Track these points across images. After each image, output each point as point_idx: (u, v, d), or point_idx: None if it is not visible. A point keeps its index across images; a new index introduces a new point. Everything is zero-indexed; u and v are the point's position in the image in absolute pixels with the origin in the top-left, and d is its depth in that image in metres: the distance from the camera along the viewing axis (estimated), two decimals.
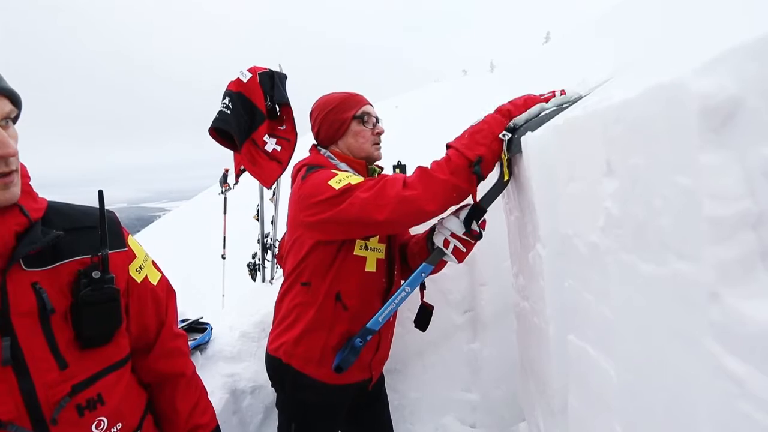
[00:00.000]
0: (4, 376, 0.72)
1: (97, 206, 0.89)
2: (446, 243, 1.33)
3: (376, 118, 1.54)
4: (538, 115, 1.20)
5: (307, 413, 1.48)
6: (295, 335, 1.42)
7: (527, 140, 1.11)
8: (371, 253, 1.43)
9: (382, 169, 1.60)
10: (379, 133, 1.54)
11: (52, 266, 0.79)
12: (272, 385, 1.56)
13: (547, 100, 1.23)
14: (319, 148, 1.55)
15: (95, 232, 0.86)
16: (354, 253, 1.40)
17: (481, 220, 1.34)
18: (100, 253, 0.84)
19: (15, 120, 0.76)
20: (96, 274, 0.82)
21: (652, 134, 0.58)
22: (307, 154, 1.56)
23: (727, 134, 0.46)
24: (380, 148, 1.56)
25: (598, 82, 1.26)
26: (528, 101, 1.25)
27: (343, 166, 1.48)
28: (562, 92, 1.24)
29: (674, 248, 0.57)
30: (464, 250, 1.34)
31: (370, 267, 1.43)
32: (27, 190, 0.78)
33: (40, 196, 0.83)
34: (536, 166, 1.09)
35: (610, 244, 0.76)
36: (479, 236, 1.35)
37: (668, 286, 0.59)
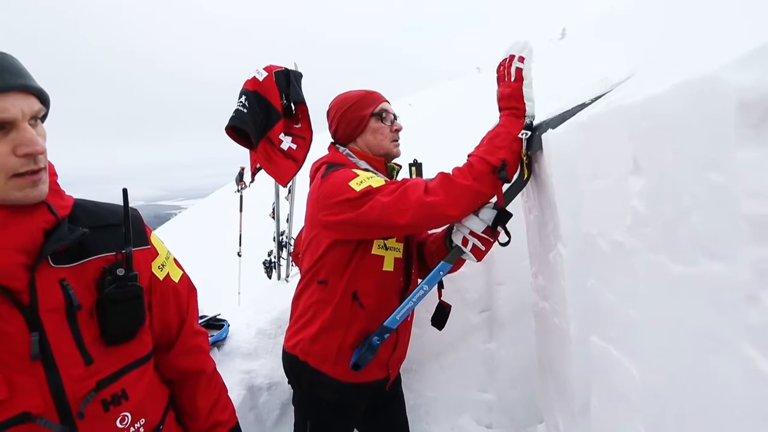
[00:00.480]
0: (33, 371, 0.73)
1: (121, 204, 0.90)
2: (465, 241, 1.32)
3: (394, 115, 1.54)
4: (532, 87, 1.22)
5: (324, 411, 1.48)
6: (311, 333, 1.42)
7: (548, 137, 1.09)
8: (389, 252, 1.42)
9: (400, 167, 1.60)
10: (398, 130, 1.54)
11: (78, 263, 0.80)
12: (289, 382, 1.57)
13: (520, 75, 1.22)
14: (337, 146, 1.55)
15: (119, 229, 0.87)
16: (372, 252, 1.39)
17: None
18: (124, 251, 0.85)
19: (43, 119, 0.77)
20: (120, 272, 0.83)
21: (682, 130, 0.56)
22: (325, 152, 1.56)
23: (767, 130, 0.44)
24: (399, 144, 1.55)
25: (620, 78, 1.23)
26: (514, 90, 1.24)
27: (362, 164, 1.47)
28: (520, 59, 1.23)
29: (706, 248, 0.55)
30: (483, 249, 1.33)
31: (388, 266, 1.42)
32: (54, 188, 0.80)
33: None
34: (557, 164, 1.08)
35: (636, 244, 0.74)
36: (507, 243, 1.34)
37: (699, 287, 0.58)
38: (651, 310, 0.72)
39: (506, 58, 1.25)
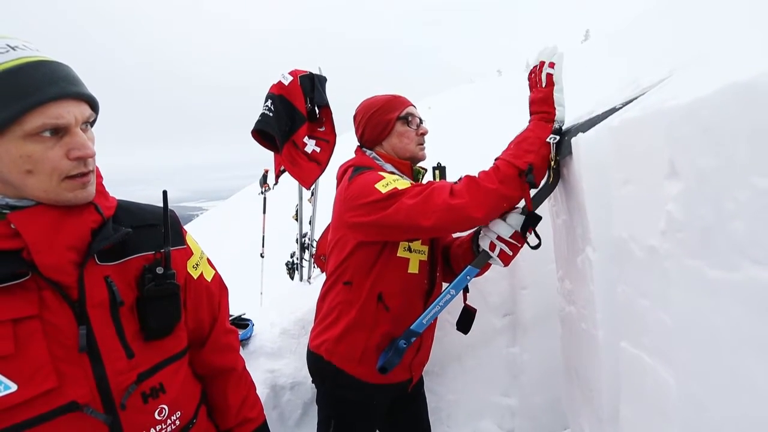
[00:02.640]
0: (80, 363, 0.77)
1: (158, 204, 0.94)
2: (492, 246, 1.32)
3: (420, 119, 1.56)
4: (563, 92, 1.23)
5: (347, 410, 1.50)
6: (336, 334, 1.44)
7: (578, 142, 1.08)
8: (414, 255, 1.43)
9: (425, 170, 1.61)
10: (423, 134, 1.55)
11: (121, 261, 0.84)
12: (313, 381, 1.59)
13: (550, 80, 1.22)
14: (364, 149, 1.57)
15: (158, 229, 0.90)
16: (397, 255, 1.41)
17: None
18: (163, 250, 0.89)
19: (92, 124, 0.81)
20: (159, 270, 0.87)
21: (726, 134, 0.55)
22: (348, 154, 1.59)
23: None
24: (424, 148, 1.57)
25: (652, 82, 1.22)
26: (545, 94, 1.24)
27: (388, 167, 1.50)
28: (551, 65, 1.23)
29: (749, 253, 0.55)
30: (510, 254, 1.32)
31: (413, 269, 1.43)
32: (100, 190, 0.83)
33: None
34: (587, 168, 1.07)
35: (672, 249, 0.73)
36: (538, 246, 1.34)
37: (741, 292, 0.57)
38: (687, 316, 0.71)
39: (537, 65, 1.25)
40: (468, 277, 1.37)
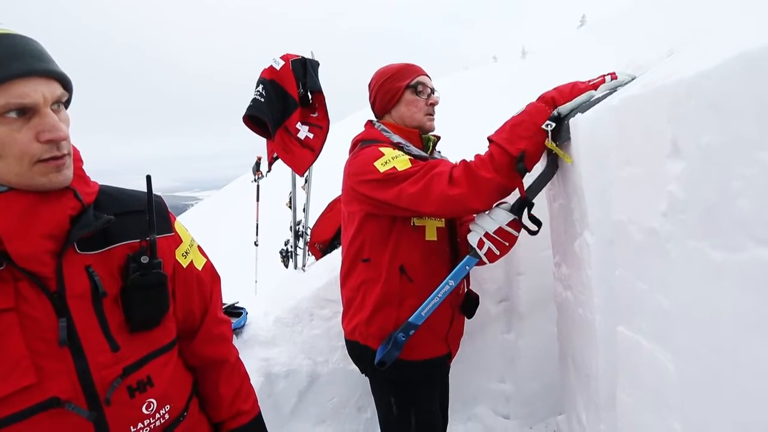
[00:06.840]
0: (61, 357, 0.73)
1: (144, 191, 0.89)
2: (480, 243, 1.30)
3: (432, 89, 1.52)
4: (586, 102, 1.14)
5: (404, 389, 1.45)
6: (366, 315, 1.42)
7: (577, 122, 1.05)
8: (430, 222, 1.42)
9: (438, 138, 1.58)
10: (433, 104, 1.52)
11: (103, 250, 0.80)
12: (361, 372, 1.55)
13: (596, 86, 1.16)
14: (373, 122, 1.55)
15: (143, 216, 0.86)
16: (412, 224, 1.39)
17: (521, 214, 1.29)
18: (148, 238, 0.85)
19: (67, 104, 0.77)
20: (144, 259, 0.82)
21: (732, 108, 0.53)
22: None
23: None
24: (433, 119, 1.54)
25: (650, 60, 1.18)
26: (575, 89, 1.18)
27: (395, 137, 1.45)
28: (613, 75, 1.16)
29: (755, 233, 0.52)
30: (498, 253, 1.31)
31: (431, 236, 1.42)
32: (80, 174, 0.79)
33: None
34: (586, 150, 1.04)
35: (673, 230, 0.71)
36: (536, 232, 1.30)
37: (745, 274, 0.55)
38: (687, 299, 0.69)
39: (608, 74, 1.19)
40: (467, 267, 1.35)
